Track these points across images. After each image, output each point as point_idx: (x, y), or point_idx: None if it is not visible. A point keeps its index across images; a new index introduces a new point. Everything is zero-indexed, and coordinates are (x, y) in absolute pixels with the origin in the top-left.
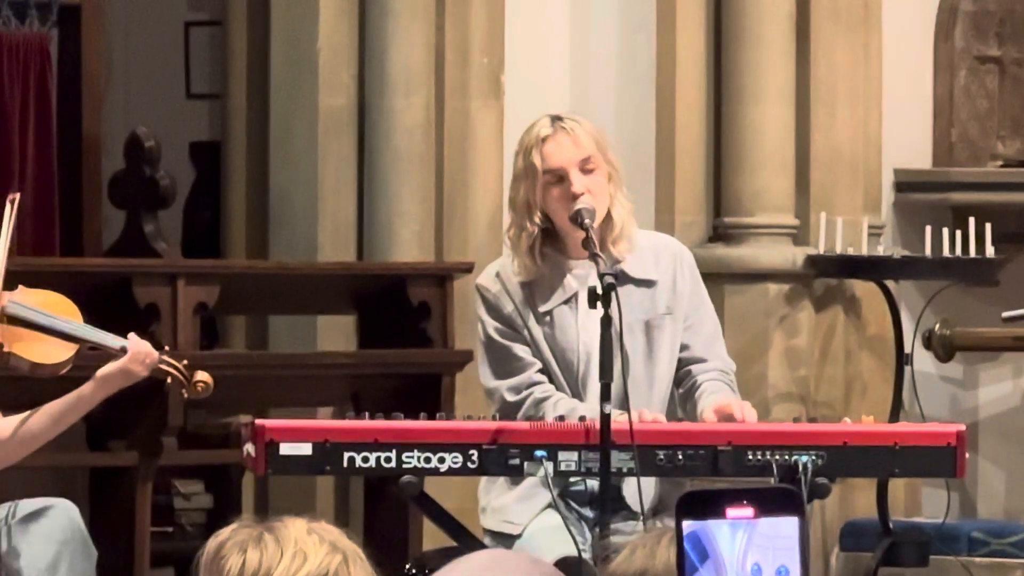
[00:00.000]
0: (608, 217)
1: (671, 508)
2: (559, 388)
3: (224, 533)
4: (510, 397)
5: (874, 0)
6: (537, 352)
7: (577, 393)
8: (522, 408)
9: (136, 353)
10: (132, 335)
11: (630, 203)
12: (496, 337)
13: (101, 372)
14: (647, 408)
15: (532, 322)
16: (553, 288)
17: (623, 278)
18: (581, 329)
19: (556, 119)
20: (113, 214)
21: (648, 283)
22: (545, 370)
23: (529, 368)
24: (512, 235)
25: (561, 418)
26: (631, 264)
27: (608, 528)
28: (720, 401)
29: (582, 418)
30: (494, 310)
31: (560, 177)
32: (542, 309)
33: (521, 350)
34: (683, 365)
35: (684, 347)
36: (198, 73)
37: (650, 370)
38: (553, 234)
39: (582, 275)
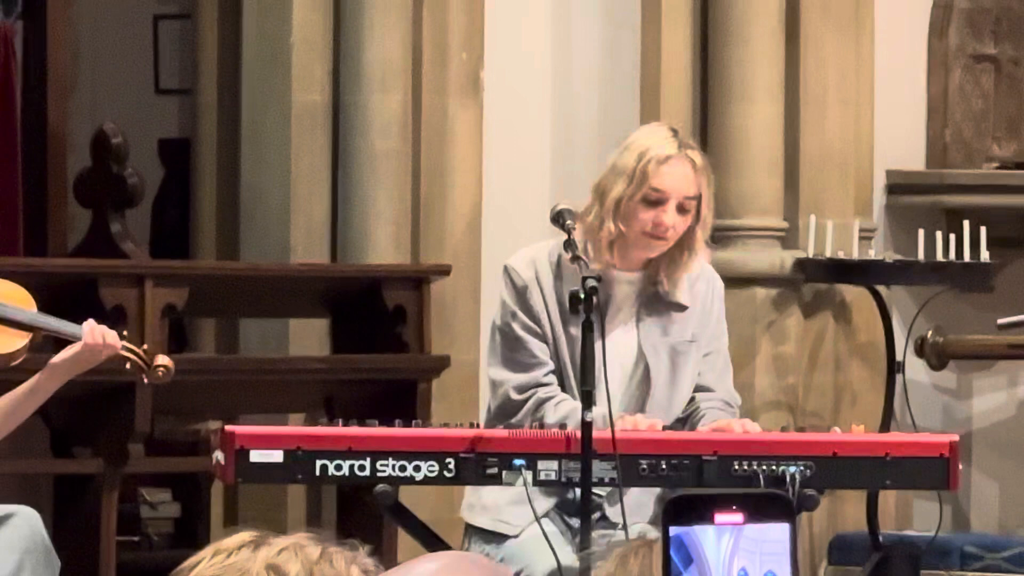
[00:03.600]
0: (680, 246)
1: (651, 519)
2: (569, 391)
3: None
4: (514, 395)
5: None
6: (555, 351)
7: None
8: (523, 408)
9: (90, 341)
10: (89, 321)
11: (708, 252)
12: (514, 326)
13: (54, 359)
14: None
15: (557, 319)
16: None
17: (657, 300)
18: (605, 339)
19: (682, 143)
20: (79, 213)
21: (680, 308)
22: (559, 371)
23: (540, 368)
24: (593, 225)
25: (563, 425)
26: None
27: (589, 539)
28: (721, 423)
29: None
30: (520, 297)
31: (660, 200)
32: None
33: (537, 346)
34: (692, 392)
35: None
36: (167, 68)
37: (671, 394)
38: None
39: (622, 287)
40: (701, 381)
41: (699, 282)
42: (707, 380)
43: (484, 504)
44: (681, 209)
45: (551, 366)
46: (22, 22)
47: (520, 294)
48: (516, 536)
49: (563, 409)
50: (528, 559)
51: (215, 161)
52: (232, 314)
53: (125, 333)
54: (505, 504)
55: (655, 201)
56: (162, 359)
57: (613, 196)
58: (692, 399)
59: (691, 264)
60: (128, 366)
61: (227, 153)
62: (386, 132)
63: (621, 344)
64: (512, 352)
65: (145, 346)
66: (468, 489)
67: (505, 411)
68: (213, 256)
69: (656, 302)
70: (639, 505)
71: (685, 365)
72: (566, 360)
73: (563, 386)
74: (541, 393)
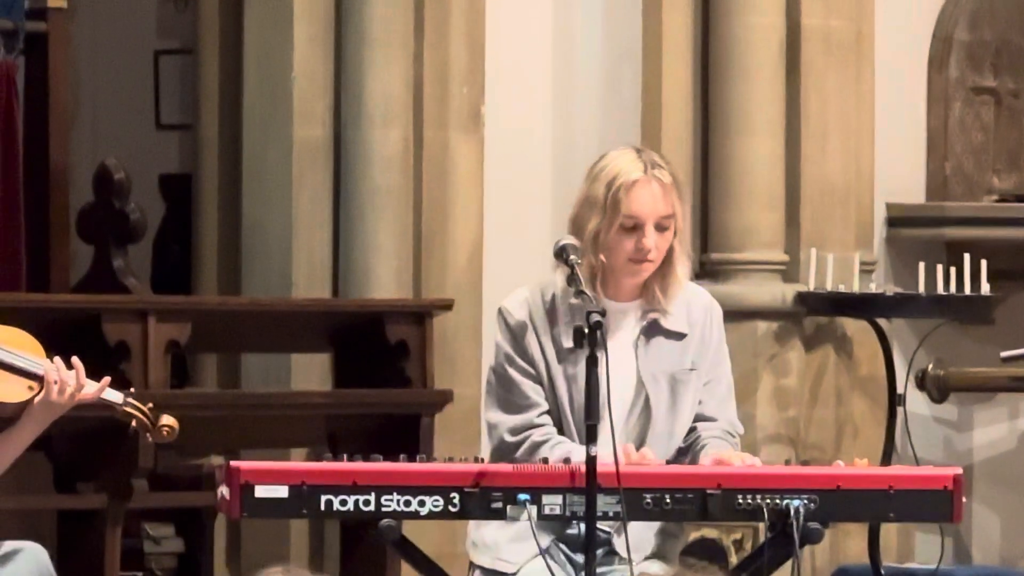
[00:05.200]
0: (666, 265)
1: (666, 557)
2: (567, 430)
3: None
4: (508, 438)
5: (866, 30)
6: (552, 391)
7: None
8: (519, 450)
9: (49, 384)
10: (56, 360)
11: (689, 261)
12: (508, 368)
13: (31, 405)
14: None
15: (552, 358)
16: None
17: (655, 328)
18: (603, 373)
19: (648, 163)
20: (81, 248)
21: (679, 336)
22: (556, 411)
23: (534, 409)
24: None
25: (567, 460)
26: (664, 315)
27: (594, 572)
28: (721, 454)
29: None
30: (514, 338)
31: (636, 225)
32: (567, 346)
33: (531, 388)
34: (692, 421)
35: (697, 403)
36: (168, 103)
37: (671, 423)
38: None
39: (616, 318)
40: (702, 410)
41: (696, 309)
42: (708, 409)
43: (485, 543)
44: (660, 228)
45: (545, 407)
46: (24, 58)
47: (514, 336)
48: (515, 574)
49: (559, 452)
50: None
51: (216, 196)
52: (234, 349)
53: (132, 390)
54: (505, 543)
55: (632, 227)
56: (167, 419)
57: (591, 229)
58: (693, 428)
59: (680, 275)
60: (133, 423)
61: (228, 188)
62: (387, 167)
63: (621, 375)
64: (507, 394)
65: (150, 404)
66: (471, 526)
67: (501, 453)
68: (215, 291)
69: (654, 331)
70: (641, 540)
71: (685, 394)
72: (563, 400)
73: (560, 427)
74: (536, 436)
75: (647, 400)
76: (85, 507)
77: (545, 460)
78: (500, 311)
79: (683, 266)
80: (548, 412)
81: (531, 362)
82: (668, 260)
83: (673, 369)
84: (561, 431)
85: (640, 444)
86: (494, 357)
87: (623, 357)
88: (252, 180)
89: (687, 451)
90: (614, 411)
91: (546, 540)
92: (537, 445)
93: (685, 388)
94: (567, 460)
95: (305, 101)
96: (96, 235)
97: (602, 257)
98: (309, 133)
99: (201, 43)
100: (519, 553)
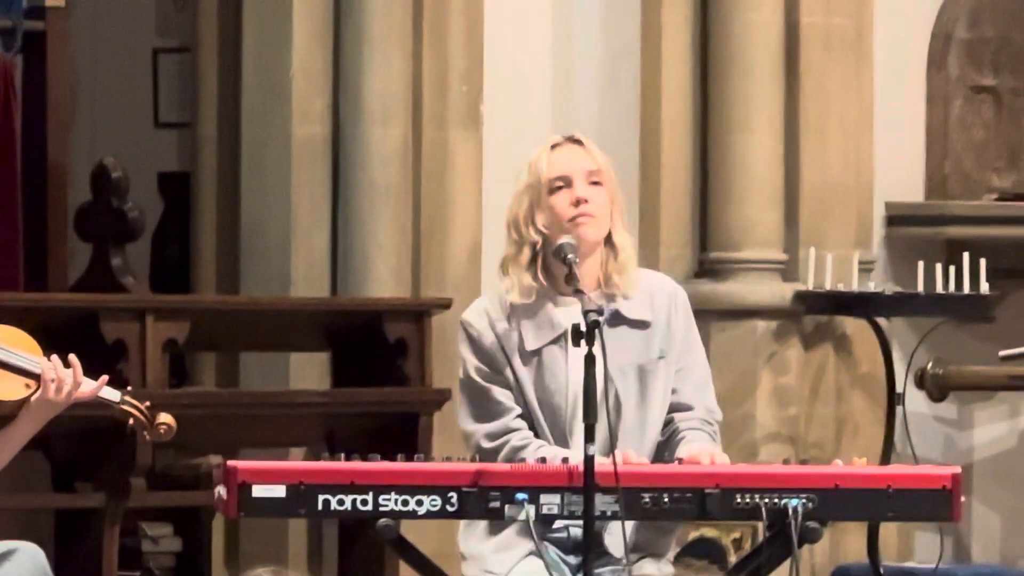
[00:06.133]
0: (610, 243)
1: (648, 551)
2: (541, 434)
3: None
4: (486, 444)
5: (866, 28)
6: (520, 395)
7: (562, 439)
8: (498, 456)
9: (46, 383)
10: (53, 358)
11: (632, 238)
12: (476, 378)
13: (28, 404)
14: (637, 454)
15: (518, 362)
16: (541, 326)
17: (617, 319)
18: (571, 370)
19: (569, 135)
20: (79, 247)
21: (643, 324)
22: (528, 415)
23: (507, 414)
24: (509, 254)
25: (543, 460)
26: (626, 304)
27: (591, 572)
28: (692, 451)
29: (565, 460)
30: (477, 348)
31: (566, 183)
32: (530, 348)
33: (501, 393)
34: (668, 411)
35: (672, 392)
36: (167, 101)
37: (642, 415)
38: (546, 267)
39: (574, 312)
40: (677, 399)
41: (659, 295)
42: (684, 397)
43: (472, 554)
44: (590, 183)
45: (518, 410)
46: (22, 57)
47: (476, 344)
48: None
49: (543, 454)
50: None
51: (215, 195)
52: (233, 348)
53: (129, 388)
54: (489, 553)
55: (562, 187)
56: (164, 417)
57: (523, 213)
58: (671, 420)
59: (628, 249)
60: (131, 422)
61: (227, 186)
62: (386, 165)
63: (582, 371)
64: (478, 403)
65: (148, 403)
66: (459, 539)
67: (482, 461)
68: (213, 290)
69: (616, 321)
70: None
71: (655, 384)
72: (532, 402)
73: (533, 429)
74: (515, 440)
75: (616, 395)
76: (83, 506)
77: (542, 459)
78: (461, 323)
79: (629, 241)
80: (522, 416)
81: (497, 368)
82: (609, 236)
83: (640, 360)
84: (532, 431)
85: (612, 440)
86: (461, 370)
87: (585, 351)
88: (251, 178)
89: (666, 445)
90: (580, 407)
91: (530, 545)
92: (517, 450)
93: (654, 378)
94: (543, 460)
95: (304, 99)
96: (94, 234)
97: (545, 230)
98: (308, 131)
99: (200, 41)
100: (503, 563)
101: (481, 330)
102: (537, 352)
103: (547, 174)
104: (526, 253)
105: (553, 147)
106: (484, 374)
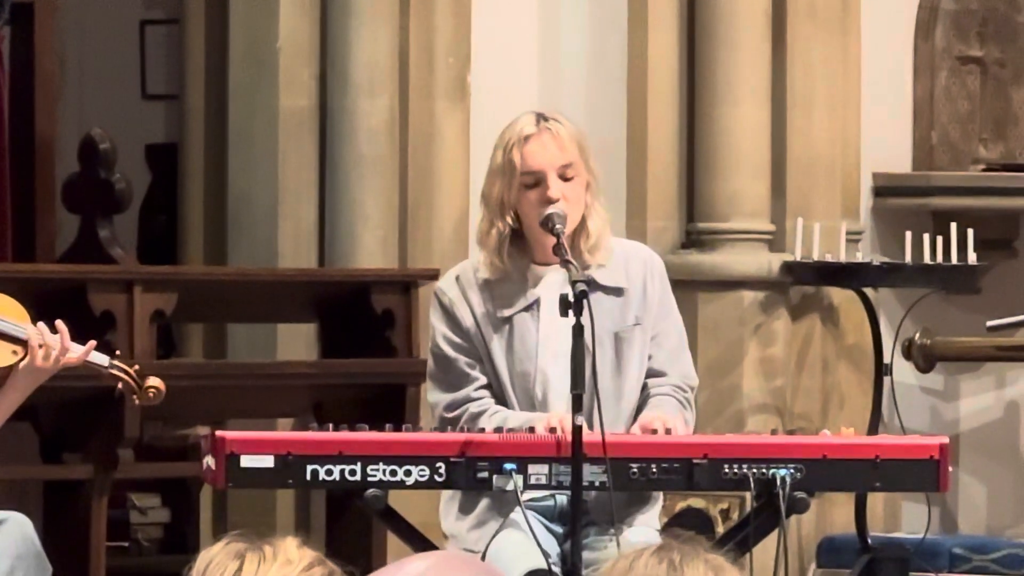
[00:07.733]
0: (583, 226)
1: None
2: (509, 401)
3: (215, 548)
4: (446, 414)
5: None
6: (490, 362)
7: (530, 406)
8: (457, 425)
9: (33, 349)
10: (40, 325)
11: (607, 213)
12: (444, 347)
13: (15, 370)
14: (616, 422)
15: (489, 330)
16: (515, 294)
17: (592, 286)
18: (542, 338)
19: (541, 118)
20: (67, 218)
21: (618, 291)
22: (496, 383)
23: (471, 384)
24: (482, 229)
25: (499, 430)
26: (601, 272)
27: (580, 542)
28: (646, 418)
29: (530, 429)
30: (448, 317)
31: (538, 180)
32: (501, 315)
33: (466, 364)
34: (645, 377)
35: (648, 358)
36: (154, 73)
37: (619, 383)
38: (521, 236)
39: (547, 282)
40: (652, 365)
41: (634, 262)
42: (659, 363)
43: (451, 533)
44: (563, 178)
45: (483, 381)
46: (9, 29)
47: (448, 313)
48: (482, 557)
49: (497, 420)
50: (506, 564)
51: (202, 166)
52: (220, 319)
53: (117, 352)
54: (465, 532)
55: (534, 183)
56: (153, 380)
57: (496, 196)
58: (645, 386)
59: (602, 228)
60: (119, 386)
61: (214, 158)
62: (373, 136)
63: (564, 340)
64: (444, 373)
65: (136, 367)
66: (440, 516)
67: (442, 431)
68: (201, 261)
69: (591, 289)
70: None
71: (630, 350)
72: (502, 371)
73: (503, 398)
74: (473, 408)
75: (592, 362)
76: (71, 477)
77: (482, 431)
78: (434, 292)
79: (598, 219)
80: (487, 387)
81: (466, 336)
82: (584, 221)
83: (616, 327)
84: (501, 402)
85: (589, 408)
86: (431, 338)
87: (563, 323)
88: (238, 150)
89: (638, 412)
90: (559, 376)
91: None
92: (475, 416)
93: (630, 346)
94: (499, 429)
95: (291, 71)
96: (82, 205)
97: (510, 220)
98: (295, 103)
99: (187, 13)
100: (479, 541)
101: (453, 298)
102: (509, 320)
103: (519, 168)
104: (494, 236)
105: (526, 138)
106: (452, 343)
